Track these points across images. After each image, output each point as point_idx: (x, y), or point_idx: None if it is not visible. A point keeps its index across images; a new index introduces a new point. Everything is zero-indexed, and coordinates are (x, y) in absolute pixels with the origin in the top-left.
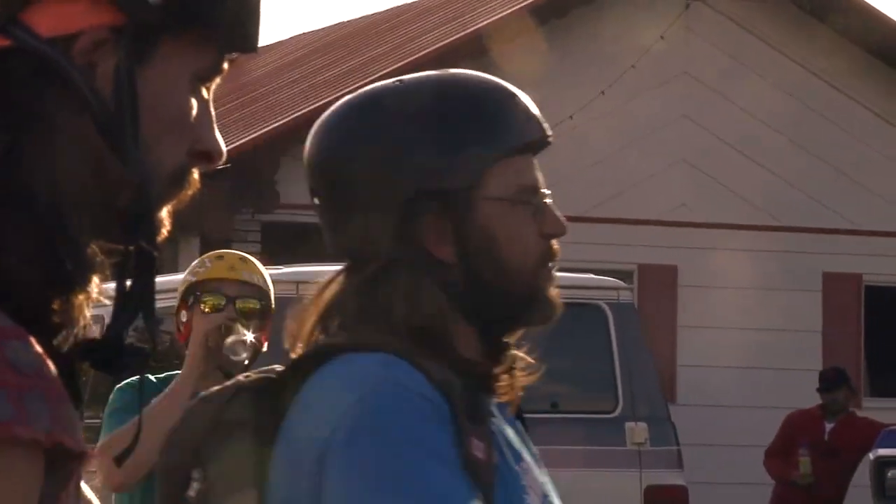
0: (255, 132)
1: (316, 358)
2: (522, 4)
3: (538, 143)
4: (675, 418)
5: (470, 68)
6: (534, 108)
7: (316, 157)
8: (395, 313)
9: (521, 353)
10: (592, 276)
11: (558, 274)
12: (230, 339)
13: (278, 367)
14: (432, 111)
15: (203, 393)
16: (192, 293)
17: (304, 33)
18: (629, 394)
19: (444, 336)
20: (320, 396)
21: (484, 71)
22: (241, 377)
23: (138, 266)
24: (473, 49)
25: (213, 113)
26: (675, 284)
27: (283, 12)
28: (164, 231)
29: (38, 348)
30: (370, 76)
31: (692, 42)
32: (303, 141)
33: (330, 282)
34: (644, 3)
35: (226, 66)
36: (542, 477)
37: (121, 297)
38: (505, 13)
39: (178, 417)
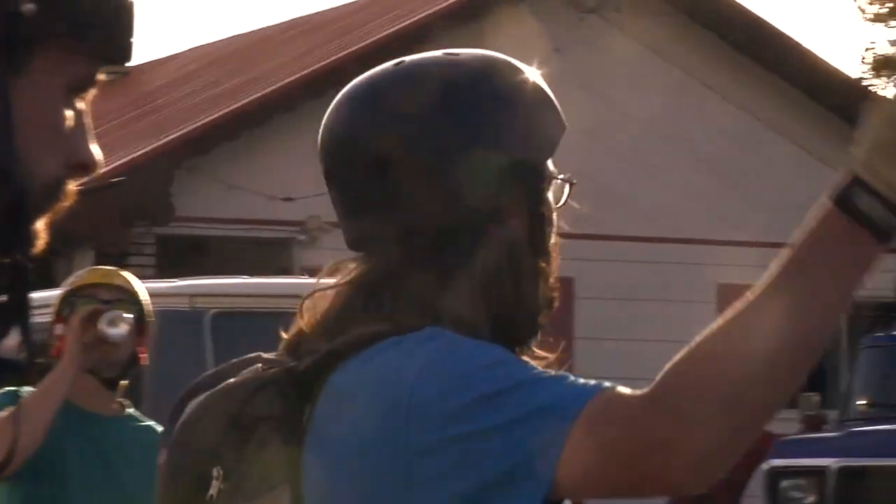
0: (149, 145)
1: (357, 344)
2: (415, 19)
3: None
4: None
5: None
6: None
7: (366, 130)
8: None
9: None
10: None
11: None
12: (108, 315)
13: (297, 361)
14: (512, 90)
15: (216, 388)
16: (67, 304)
17: (199, 46)
18: None
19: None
20: (373, 375)
21: None
22: (260, 368)
23: (12, 279)
24: (367, 62)
25: (88, 124)
26: (573, 296)
27: (178, 25)
28: (39, 243)
29: None
30: (265, 88)
31: (586, 55)
32: (198, 153)
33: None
34: (538, 14)
35: (101, 77)
36: None
37: None
38: (398, 27)
39: (53, 411)
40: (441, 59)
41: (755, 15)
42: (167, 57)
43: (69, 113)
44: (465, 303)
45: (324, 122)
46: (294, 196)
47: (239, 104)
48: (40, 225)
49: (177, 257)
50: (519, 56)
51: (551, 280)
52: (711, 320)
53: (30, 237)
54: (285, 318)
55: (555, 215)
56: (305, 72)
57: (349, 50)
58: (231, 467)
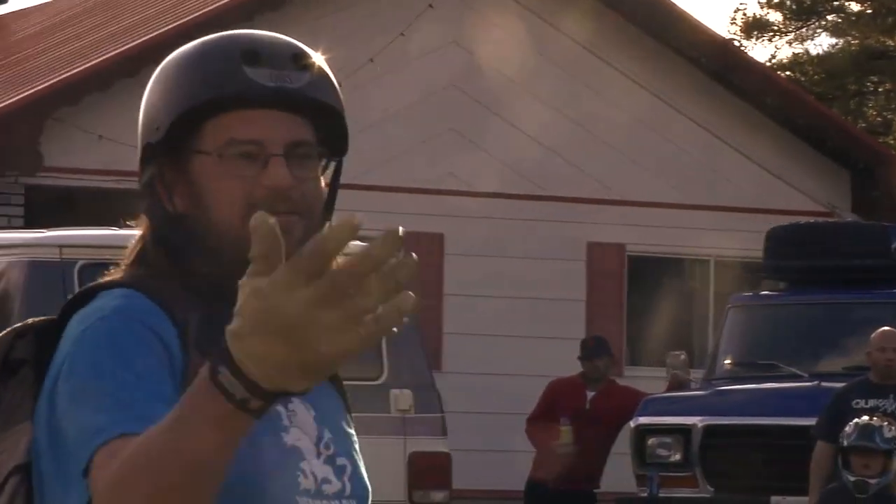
0: (18, 94)
1: (83, 296)
2: None
3: (252, 97)
4: (440, 386)
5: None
6: (257, 61)
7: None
8: (151, 255)
9: None
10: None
11: None
12: None
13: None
14: (163, 70)
15: None
16: None
17: None
18: (394, 361)
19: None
20: (68, 331)
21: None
22: (29, 320)
23: None
24: (241, 9)
25: None
26: (442, 252)
27: None
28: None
29: None
30: (136, 38)
31: (461, 11)
32: (67, 104)
33: None
34: None
35: None
36: (330, 427)
37: None
38: None
39: None
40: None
41: None
42: (36, 6)
43: None
44: (155, 265)
45: None
46: None
47: (109, 54)
48: None
49: (46, 208)
50: (394, 10)
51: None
52: (580, 278)
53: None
54: None
55: (216, 181)
56: (177, 23)
57: (222, 1)
58: None
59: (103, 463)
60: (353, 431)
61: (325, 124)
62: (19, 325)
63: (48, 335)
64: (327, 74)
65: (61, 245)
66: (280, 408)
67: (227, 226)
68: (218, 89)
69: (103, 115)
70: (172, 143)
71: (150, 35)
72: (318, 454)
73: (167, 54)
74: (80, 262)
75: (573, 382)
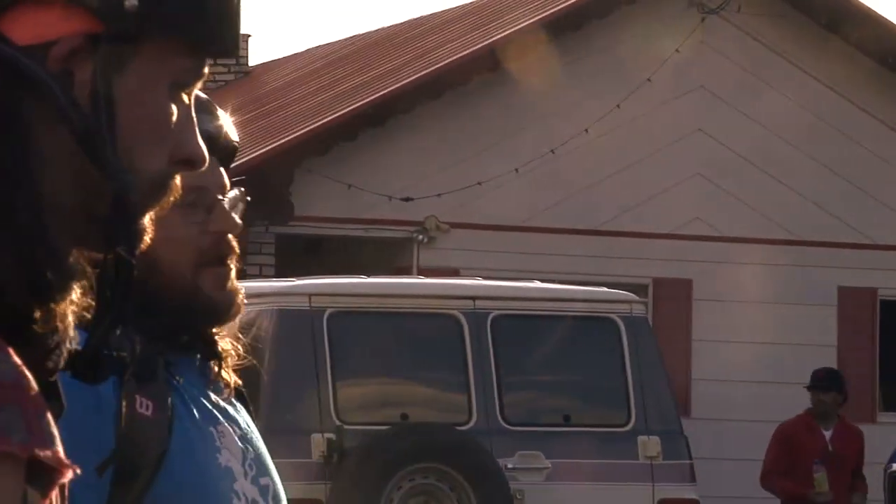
0: (269, 144)
1: None
2: (538, 17)
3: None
4: (689, 432)
5: (486, 80)
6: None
7: None
8: None
9: (231, 345)
10: (605, 289)
11: (571, 287)
12: None
13: None
14: None
15: None
16: None
17: (320, 45)
18: (642, 407)
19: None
20: None
21: (501, 83)
22: None
23: (117, 275)
24: (490, 61)
25: (194, 119)
26: (690, 298)
27: (298, 25)
28: (146, 239)
29: (17, 359)
30: (386, 88)
31: (707, 55)
32: (318, 153)
33: None
34: (660, 17)
35: (206, 71)
36: (251, 445)
37: (100, 306)
38: (521, 26)
39: None
40: None
41: (873, 12)
42: (287, 56)
43: (174, 108)
44: None
45: None
46: (412, 196)
47: (358, 104)
48: (146, 221)
49: (295, 257)
50: (640, 57)
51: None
52: (831, 323)
53: (136, 233)
54: (402, 317)
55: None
56: (426, 71)
57: (469, 50)
58: None
59: None
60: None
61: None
62: None
63: None
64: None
65: (311, 294)
66: (211, 428)
67: (177, 275)
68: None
69: (351, 164)
70: None
71: (396, 85)
72: (246, 474)
73: (413, 104)
74: (329, 311)
75: (806, 423)
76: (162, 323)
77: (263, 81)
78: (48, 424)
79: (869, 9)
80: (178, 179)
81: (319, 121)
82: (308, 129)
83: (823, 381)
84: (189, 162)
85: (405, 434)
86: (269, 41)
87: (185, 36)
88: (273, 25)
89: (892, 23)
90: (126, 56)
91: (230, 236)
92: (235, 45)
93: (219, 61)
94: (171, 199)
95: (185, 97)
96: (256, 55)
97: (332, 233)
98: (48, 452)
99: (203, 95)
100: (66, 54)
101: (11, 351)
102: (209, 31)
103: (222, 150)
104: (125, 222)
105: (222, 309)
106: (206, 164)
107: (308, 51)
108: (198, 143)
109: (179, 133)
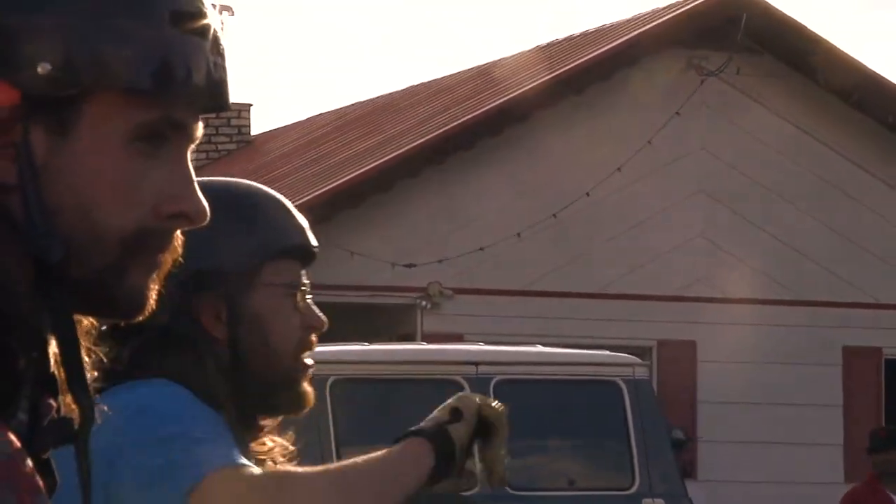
0: None
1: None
2: (539, 82)
3: (305, 251)
4: (693, 495)
5: (487, 145)
6: (304, 223)
7: None
8: (172, 371)
9: (277, 440)
10: (607, 352)
11: (573, 351)
12: None
13: None
14: (227, 205)
15: None
16: None
17: (320, 113)
18: (645, 470)
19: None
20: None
21: (502, 147)
22: None
23: (56, 332)
24: (490, 127)
25: (186, 171)
26: (695, 360)
27: (300, 93)
28: (148, 302)
29: (12, 436)
30: (387, 155)
31: (707, 117)
32: (318, 221)
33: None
34: (659, 79)
35: (184, 119)
36: None
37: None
38: (522, 90)
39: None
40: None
41: (874, 73)
42: (289, 125)
43: (139, 163)
44: (185, 368)
45: None
46: (415, 262)
47: (360, 171)
48: (149, 281)
49: None
50: (640, 119)
51: (278, 367)
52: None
53: (62, 294)
54: (404, 384)
55: (286, 316)
56: (429, 137)
57: (471, 115)
58: None
59: (224, 485)
60: None
61: None
62: None
63: None
64: None
65: (313, 361)
66: None
67: (284, 355)
68: (302, 238)
69: (354, 231)
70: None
71: (398, 152)
72: None
73: (418, 169)
74: (332, 378)
75: (873, 488)
76: (253, 404)
77: (265, 150)
78: (42, 503)
79: (871, 70)
80: (178, 235)
81: (322, 188)
82: (310, 196)
83: (888, 441)
84: (184, 216)
85: None
86: (270, 110)
87: (132, 90)
88: (274, 95)
89: (889, 82)
90: (66, 118)
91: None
92: (196, 91)
93: (221, 132)
94: (172, 257)
95: (176, 150)
96: (258, 124)
97: (336, 300)
98: None
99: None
100: None
101: (6, 429)
102: (157, 76)
103: (311, 256)
104: (52, 284)
105: (305, 404)
106: (207, 219)
107: (309, 119)
108: (194, 197)
109: (167, 186)
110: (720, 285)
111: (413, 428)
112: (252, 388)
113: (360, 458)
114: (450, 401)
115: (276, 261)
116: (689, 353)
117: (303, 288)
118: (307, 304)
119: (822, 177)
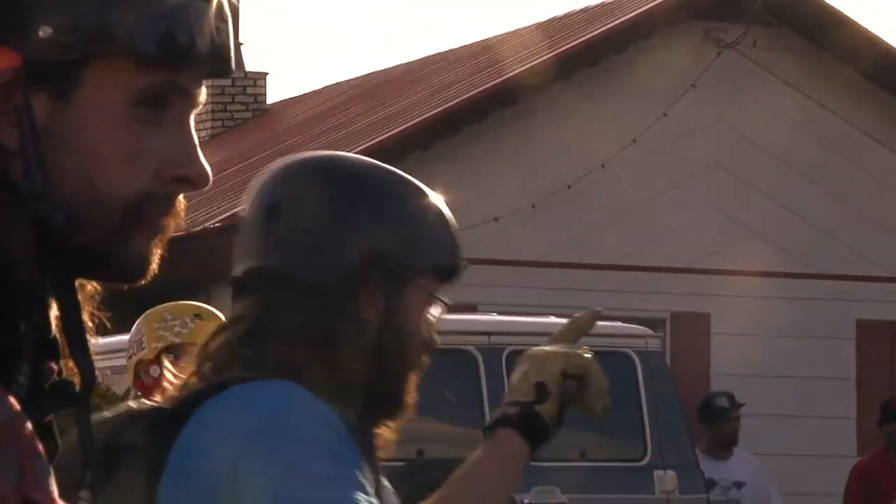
0: None
1: (213, 388)
2: (554, 53)
3: (455, 274)
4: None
5: (502, 116)
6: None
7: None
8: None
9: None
10: (620, 323)
11: None
12: None
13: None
14: (430, 208)
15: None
16: (171, 353)
17: (335, 83)
18: (658, 442)
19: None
20: (225, 417)
21: (517, 118)
22: (132, 404)
23: (60, 299)
24: (505, 97)
25: (189, 136)
26: (709, 332)
27: (315, 63)
28: (152, 267)
29: (13, 401)
30: (403, 125)
31: (724, 89)
32: None
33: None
34: (676, 51)
35: (187, 83)
36: None
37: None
38: (536, 61)
39: None
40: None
41: (891, 46)
42: (304, 94)
43: (142, 128)
44: (315, 363)
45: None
46: None
47: (374, 141)
48: (152, 246)
49: None
50: (656, 91)
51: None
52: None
53: (64, 261)
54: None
55: (421, 323)
56: (442, 108)
57: (486, 86)
58: (99, 492)
59: None
60: None
61: None
62: (134, 407)
63: (164, 425)
64: None
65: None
66: None
67: (414, 355)
68: (459, 262)
69: None
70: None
71: (412, 122)
72: None
73: (430, 141)
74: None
75: (883, 460)
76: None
77: (281, 119)
78: (43, 466)
79: (888, 44)
80: (181, 199)
81: None
82: None
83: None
84: (186, 180)
85: (421, 470)
86: (286, 79)
87: (132, 54)
88: (290, 64)
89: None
90: (68, 83)
91: None
92: (197, 56)
93: (237, 100)
94: (174, 221)
95: (179, 115)
96: (274, 93)
97: None
98: (41, 495)
99: None
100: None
101: (6, 393)
102: (163, 45)
103: (452, 280)
104: (48, 249)
105: (404, 410)
106: (210, 183)
107: (325, 88)
108: (197, 162)
109: (169, 151)
110: (734, 258)
111: (499, 414)
112: (383, 383)
113: (462, 475)
114: (526, 366)
115: (430, 271)
116: (702, 325)
117: (438, 303)
118: (434, 323)
119: (837, 151)
